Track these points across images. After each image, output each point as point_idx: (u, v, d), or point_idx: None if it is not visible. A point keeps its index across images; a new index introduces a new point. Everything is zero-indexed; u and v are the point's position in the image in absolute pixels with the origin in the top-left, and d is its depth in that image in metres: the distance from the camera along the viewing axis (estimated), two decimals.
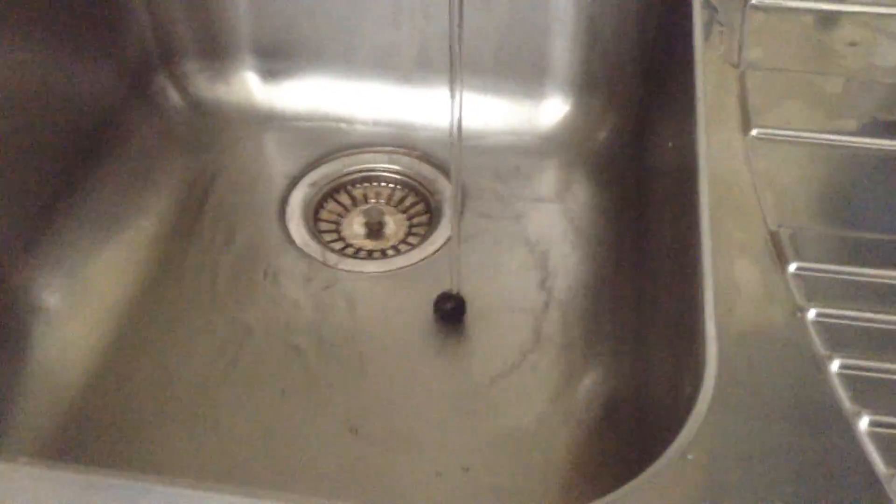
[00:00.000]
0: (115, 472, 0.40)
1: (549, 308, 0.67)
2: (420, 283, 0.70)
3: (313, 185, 0.77)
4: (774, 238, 0.48)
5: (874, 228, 0.49)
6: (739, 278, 0.47)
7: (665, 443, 0.41)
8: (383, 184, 0.78)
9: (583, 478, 0.58)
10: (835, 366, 0.43)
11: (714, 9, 0.61)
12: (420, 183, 0.77)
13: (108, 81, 0.76)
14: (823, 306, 0.45)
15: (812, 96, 0.56)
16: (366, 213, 0.75)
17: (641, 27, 0.73)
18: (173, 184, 0.76)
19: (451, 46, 0.56)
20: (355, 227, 0.75)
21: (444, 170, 0.77)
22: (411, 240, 0.74)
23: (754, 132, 0.54)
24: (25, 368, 0.63)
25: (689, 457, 0.40)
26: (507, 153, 0.78)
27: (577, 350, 0.65)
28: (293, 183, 0.77)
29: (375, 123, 0.81)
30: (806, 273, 0.47)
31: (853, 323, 0.45)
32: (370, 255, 0.73)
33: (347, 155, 0.79)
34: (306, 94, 0.81)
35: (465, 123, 0.59)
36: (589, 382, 0.63)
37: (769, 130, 0.54)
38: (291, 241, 0.73)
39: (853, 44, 0.59)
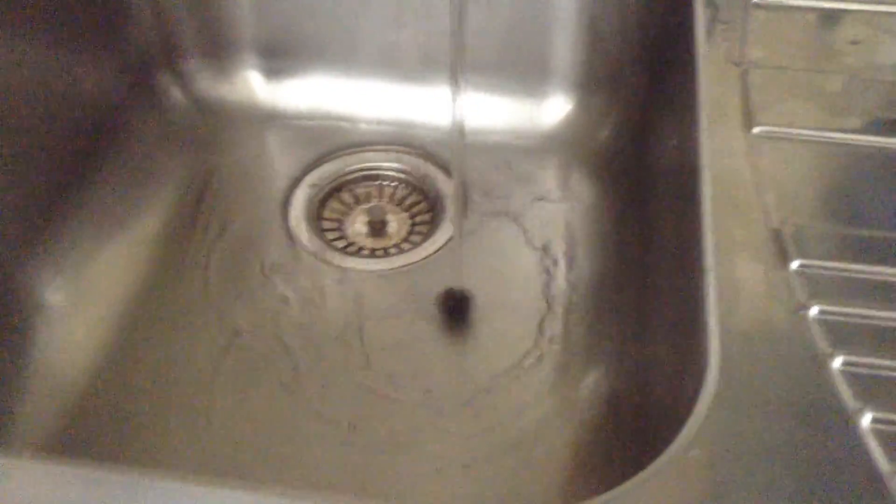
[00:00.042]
0: (117, 467, 0.40)
1: (552, 306, 0.67)
2: (422, 282, 0.70)
3: (315, 183, 0.77)
4: (776, 236, 0.48)
5: (877, 226, 0.49)
6: (741, 276, 0.47)
7: (667, 440, 0.41)
8: (386, 182, 0.78)
9: (585, 475, 0.58)
10: (837, 363, 0.43)
11: (716, 7, 0.61)
12: (422, 181, 0.77)
13: (111, 79, 0.76)
14: (826, 304, 0.45)
15: (814, 94, 0.56)
16: (368, 211, 0.75)
17: (643, 25, 0.73)
18: (175, 182, 0.76)
19: (453, 45, 0.56)
20: (358, 225, 0.75)
21: (446, 168, 0.77)
22: (414, 238, 0.74)
23: (756, 130, 0.54)
24: (28, 366, 0.63)
25: (691, 454, 0.40)
26: (509, 152, 0.78)
27: (579, 348, 0.65)
28: (296, 182, 0.77)
29: (378, 122, 0.81)
30: (808, 270, 0.47)
31: (856, 320, 0.45)
32: (373, 253, 0.73)
33: (350, 154, 0.79)
34: (309, 93, 0.81)
35: (467, 122, 0.59)
36: (591, 380, 0.63)
37: (771, 128, 0.54)
38: (294, 240, 0.73)
39: (855, 42, 0.59)
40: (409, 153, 0.79)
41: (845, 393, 0.42)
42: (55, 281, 0.67)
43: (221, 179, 0.77)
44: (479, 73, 0.77)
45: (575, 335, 0.65)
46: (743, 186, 0.51)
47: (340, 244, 0.73)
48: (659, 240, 0.63)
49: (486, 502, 0.57)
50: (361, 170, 0.78)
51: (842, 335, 0.44)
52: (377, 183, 0.78)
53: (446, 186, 0.76)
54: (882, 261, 0.47)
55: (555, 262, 0.70)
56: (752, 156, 0.52)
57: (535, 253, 0.71)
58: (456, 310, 0.67)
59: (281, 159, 0.79)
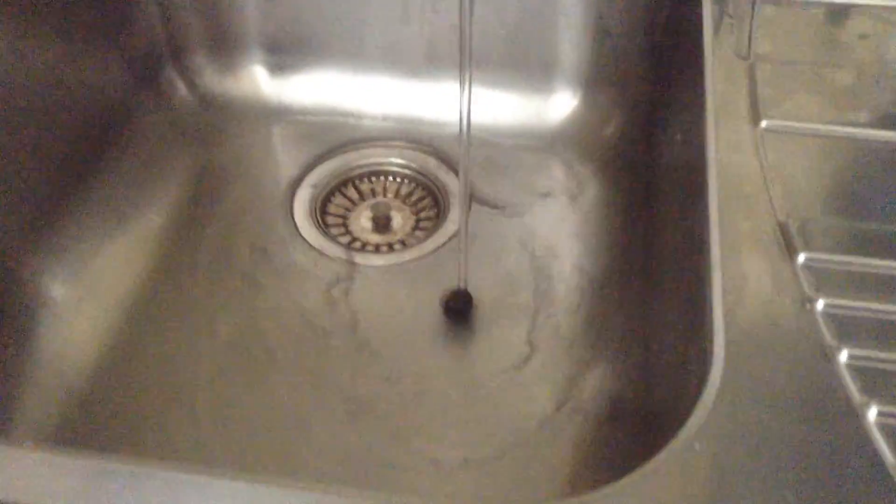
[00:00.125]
0: (117, 457, 0.40)
1: (557, 302, 0.67)
2: (427, 277, 0.70)
3: (320, 179, 0.77)
4: (783, 229, 0.48)
5: (883, 220, 0.49)
6: (748, 269, 0.46)
7: (672, 435, 0.41)
8: (391, 178, 0.78)
9: (589, 470, 0.58)
10: (843, 357, 0.43)
11: (723, 1, 0.61)
12: (428, 177, 0.77)
13: (117, 74, 0.76)
14: (832, 297, 0.45)
15: (822, 89, 0.56)
16: (373, 207, 0.75)
17: (650, 20, 0.73)
18: (181, 177, 0.76)
19: (460, 41, 0.56)
20: (363, 221, 0.75)
21: (451, 164, 0.77)
22: (418, 234, 0.74)
23: (764, 124, 0.54)
24: (31, 359, 0.63)
25: (696, 446, 0.39)
26: (516, 148, 0.78)
27: (584, 342, 0.64)
28: (301, 177, 0.77)
29: (383, 118, 0.80)
30: (815, 264, 0.46)
31: (862, 314, 0.44)
32: (377, 249, 0.73)
33: (355, 149, 0.79)
34: (314, 89, 0.81)
35: (473, 118, 0.59)
36: (596, 374, 0.63)
37: (779, 123, 0.54)
38: (299, 235, 0.73)
39: (863, 36, 0.59)
40: (414, 149, 0.79)
41: (851, 386, 0.41)
42: (60, 274, 0.67)
43: (226, 174, 0.77)
44: (485, 68, 0.77)
45: (580, 331, 0.65)
46: (750, 181, 0.51)
47: (345, 240, 0.73)
48: (665, 235, 0.62)
49: (488, 497, 0.57)
50: (366, 165, 0.78)
51: (848, 329, 0.44)
52: (382, 179, 0.78)
53: (451, 182, 0.76)
54: (889, 255, 0.47)
55: (560, 258, 0.70)
56: (759, 150, 0.52)
57: (541, 248, 0.71)
58: (458, 309, 0.67)
59: (286, 155, 0.79)
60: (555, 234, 0.72)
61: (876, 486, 0.38)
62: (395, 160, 0.78)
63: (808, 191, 0.50)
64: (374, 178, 0.78)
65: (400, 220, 0.75)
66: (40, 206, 0.68)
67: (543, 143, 0.78)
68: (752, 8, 0.61)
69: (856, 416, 0.40)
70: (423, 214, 0.75)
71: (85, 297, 0.67)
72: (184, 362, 0.64)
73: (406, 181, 0.78)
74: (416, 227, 0.74)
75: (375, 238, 0.73)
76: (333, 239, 0.73)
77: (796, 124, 0.54)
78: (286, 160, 0.79)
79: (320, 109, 0.81)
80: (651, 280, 0.64)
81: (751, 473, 0.39)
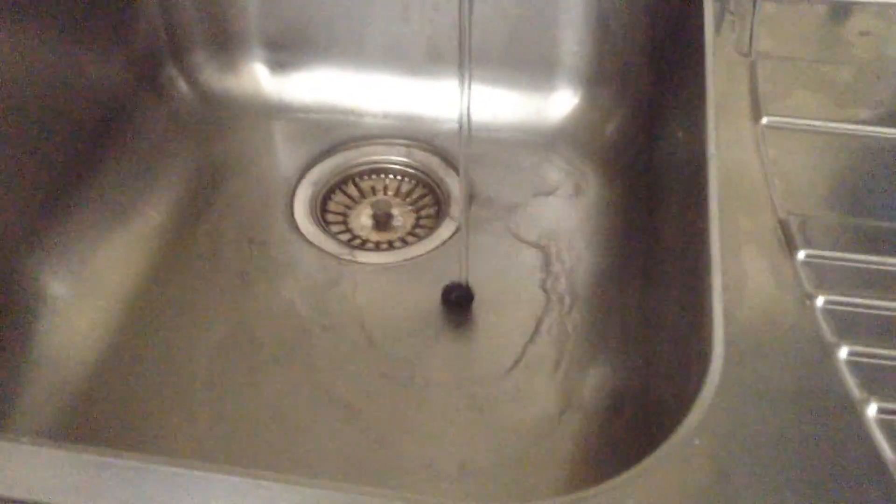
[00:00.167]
0: (116, 452, 0.39)
1: (557, 298, 0.67)
2: (427, 275, 0.69)
3: (321, 176, 0.77)
4: (784, 226, 0.48)
5: (883, 217, 0.48)
6: (748, 266, 0.46)
7: (672, 431, 0.40)
8: (391, 176, 0.78)
9: (589, 465, 0.57)
10: (843, 353, 0.42)
11: None
12: (428, 175, 0.77)
13: (118, 71, 0.76)
14: (832, 294, 0.45)
15: (822, 85, 0.55)
16: (374, 205, 0.75)
17: (652, 17, 0.73)
18: (181, 174, 0.76)
19: (460, 38, 0.56)
20: (363, 218, 0.75)
21: (452, 162, 0.77)
22: (419, 232, 0.73)
23: (765, 121, 0.53)
24: (31, 355, 0.63)
25: (696, 442, 0.39)
26: (516, 145, 0.78)
27: (584, 339, 0.64)
28: (301, 174, 0.77)
29: (384, 116, 0.80)
30: (815, 261, 0.46)
31: (862, 310, 0.44)
32: (378, 246, 0.72)
33: (355, 147, 0.79)
34: (315, 86, 0.81)
35: (473, 116, 0.59)
36: (596, 371, 0.62)
37: (779, 119, 0.53)
38: (299, 233, 0.73)
39: (864, 33, 0.58)
40: (415, 147, 0.79)
41: (850, 383, 0.41)
42: (59, 272, 0.67)
43: (226, 172, 0.77)
44: (486, 66, 0.77)
45: (580, 328, 0.65)
46: (750, 177, 0.51)
47: (345, 237, 0.73)
48: (665, 232, 0.62)
49: (487, 494, 0.57)
50: (367, 163, 0.78)
51: (848, 325, 0.44)
52: (383, 176, 0.78)
53: (452, 180, 0.76)
54: (889, 251, 0.47)
55: (560, 256, 0.70)
56: (759, 146, 0.52)
57: (541, 247, 0.71)
58: (458, 302, 0.67)
59: (286, 152, 0.79)
60: (555, 231, 0.72)
61: (874, 480, 0.38)
62: (395, 158, 0.78)
63: (809, 187, 0.50)
64: (374, 176, 0.78)
65: (400, 217, 0.74)
66: (40, 204, 0.68)
67: (544, 140, 0.78)
68: (754, 5, 0.61)
69: (855, 412, 0.40)
70: (423, 212, 0.75)
71: (84, 293, 0.67)
72: (183, 359, 0.64)
73: (406, 179, 0.77)
74: (416, 225, 0.74)
75: (376, 236, 0.73)
76: (334, 236, 0.73)
77: (797, 121, 0.53)
78: (286, 158, 0.78)
79: (321, 107, 0.81)
80: (651, 276, 0.64)
81: (750, 469, 0.38)
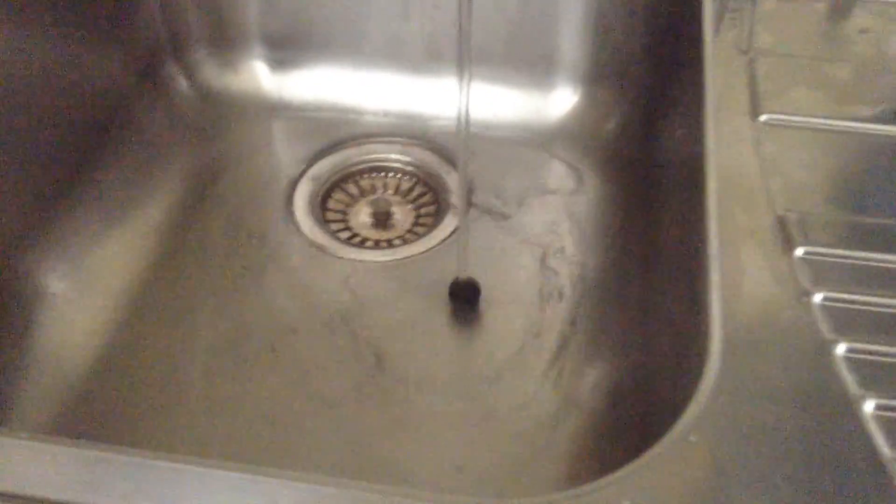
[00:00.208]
0: (115, 447, 0.40)
1: (556, 297, 0.67)
2: (426, 274, 0.69)
3: (320, 174, 0.77)
4: (782, 223, 0.48)
5: (881, 214, 0.49)
6: (746, 263, 0.46)
7: (669, 427, 0.41)
8: (391, 174, 0.78)
9: (588, 462, 0.58)
10: (840, 350, 0.42)
11: None
12: (428, 173, 0.77)
13: (118, 68, 0.76)
14: (830, 291, 0.45)
15: (821, 83, 0.55)
16: (373, 203, 0.75)
17: (651, 15, 0.73)
18: (181, 171, 0.76)
19: (460, 36, 0.56)
20: (362, 217, 0.75)
21: (451, 160, 0.77)
22: (418, 230, 0.73)
23: (763, 118, 0.53)
24: (31, 353, 0.63)
25: (692, 438, 0.39)
26: (516, 144, 0.78)
27: (583, 338, 0.64)
28: (300, 173, 0.77)
29: (384, 114, 0.80)
30: (813, 258, 0.46)
31: (859, 307, 0.44)
32: (377, 244, 0.73)
33: (355, 145, 0.79)
34: (315, 84, 0.81)
35: (473, 114, 0.59)
36: (594, 369, 0.63)
37: (778, 116, 0.54)
38: (298, 231, 0.73)
39: (864, 31, 0.58)
40: (414, 145, 0.79)
41: (848, 379, 0.41)
42: (59, 268, 0.67)
43: (226, 170, 0.77)
44: (485, 64, 0.77)
45: (579, 326, 0.65)
46: (748, 174, 0.51)
47: (345, 235, 0.73)
48: (664, 229, 0.62)
49: (488, 488, 0.57)
50: (367, 161, 0.78)
51: (845, 322, 0.44)
52: (382, 174, 0.78)
53: (451, 178, 0.76)
54: (886, 248, 0.47)
55: (560, 254, 0.70)
56: (758, 143, 0.52)
57: (541, 245, 0.71)
58: (464, 297, 0.67)
59: (286, 150, 0.79)
60: (554, 229, 0.72)
61: (871, 477, 0.38)
62: (395, 156, 0.78)
63: (807, 185, 0.50)
64: (374, 174, 0.78)
65: (400, 215, 0.75)
66: (39, 201, 0.68)
67: (543, 139, 0.78)
68: (753, 2, 0.61)
69: (852, 408, 0.40)
70: (423, 210, 0.75)
71: (83, 291, 0.67)
72: (182, 356, 0.64)
73: (406, 177, 0.77)
74: (415, 223, 0.74)
75: (375, 234, 0.73)
76: (333, 234, 0.73)
77: (796, 118, 0.53)
78: (286, 156, 0.79)
79: (321, 105, 0.81)
80: (650, 273, 0.64)
81: (747, 465, 0.38)
